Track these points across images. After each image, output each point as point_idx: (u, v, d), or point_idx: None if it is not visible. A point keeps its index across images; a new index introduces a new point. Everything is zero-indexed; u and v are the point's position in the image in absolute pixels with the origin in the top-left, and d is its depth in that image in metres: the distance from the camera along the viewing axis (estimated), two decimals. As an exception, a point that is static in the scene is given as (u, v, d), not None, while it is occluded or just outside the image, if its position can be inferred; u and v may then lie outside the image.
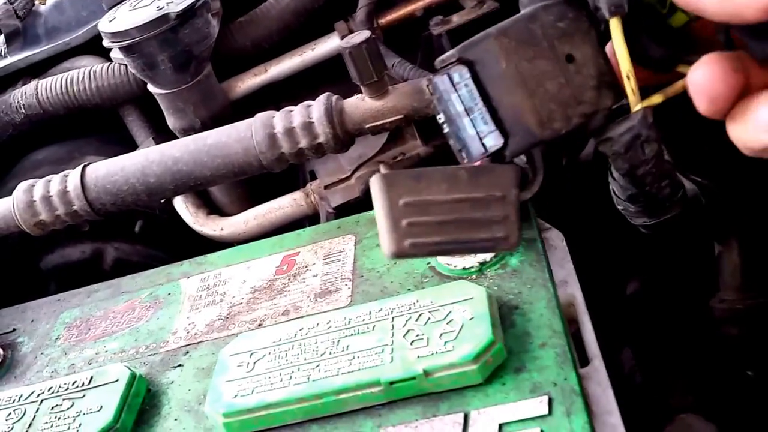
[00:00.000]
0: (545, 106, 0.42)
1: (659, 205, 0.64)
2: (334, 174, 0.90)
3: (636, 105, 0.41)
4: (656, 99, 0.41)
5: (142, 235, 1.04)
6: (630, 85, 0.41)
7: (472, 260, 0.63)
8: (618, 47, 0.40)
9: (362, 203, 0.85)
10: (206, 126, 0.88)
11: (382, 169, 0.42)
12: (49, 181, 0.83)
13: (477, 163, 0.44)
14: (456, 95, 0.43)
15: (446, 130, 0.44)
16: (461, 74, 0.43)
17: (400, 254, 0.43)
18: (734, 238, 0.75)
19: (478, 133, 0.43)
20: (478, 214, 0.43)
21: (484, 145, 0.43)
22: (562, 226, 0.68)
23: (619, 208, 0.67)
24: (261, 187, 0.97)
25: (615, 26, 0.40)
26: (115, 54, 0.92)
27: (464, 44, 0.43)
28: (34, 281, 1.05)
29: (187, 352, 0.68)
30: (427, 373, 0.52)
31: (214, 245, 0.93)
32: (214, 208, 0.99)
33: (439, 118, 0.44)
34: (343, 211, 0.86)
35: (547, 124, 0.42)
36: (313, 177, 0.94)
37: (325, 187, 0.89)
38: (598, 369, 0.53)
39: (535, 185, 0.58)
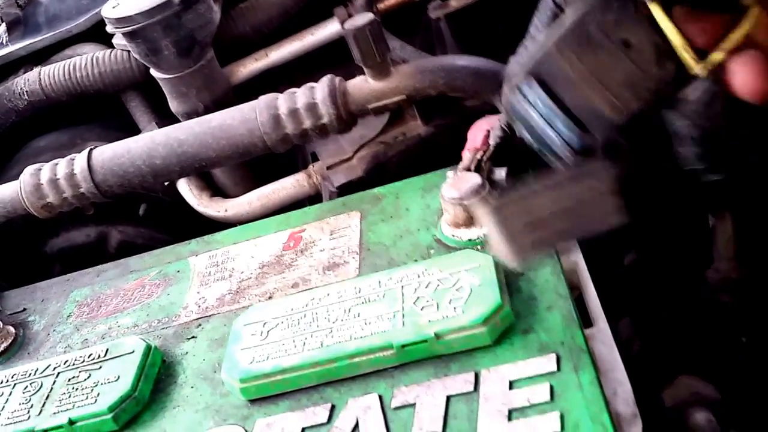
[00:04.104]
0: (617, 92, 0.45)
1: (734, 157, 0.66)
2: (336, 155, 0.92)
3: (698, 67, 0.43)
4: (717, 57, 0.44)
5: (146, 219, 1.06)
6: (687, 54, 0.43)
7: (477, 231, 0.65)
8: (664, 26, 0.43)
9: (364, 182, 0.87)
10: (209, 110, 0.89)
11: (490, 200, 0.47)
12: (56, 164, 0.85)
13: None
14: (534, 110, 0.47)
15: (535, 146, 0.48)
16: (533, 89, 0.46)
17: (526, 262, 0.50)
18: (728, 211, 0.77)
19: (563, 138, 0.46)
20: (588, 212, 0.47)
21: (571, 147, 0.46)
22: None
23: (689, 168, 0.69)
24: (263, 169, 0.98)
25: (655, 9, 0.43)
26: (118, 40, 0.94)
27: (530, 63, 0.46)
28: (39, 265, 1.06)
29: (200, 325, 0.69)
30: (438, 336, 0.54)
31: (217, 228, 0.94)
32: (217, 191, 1.00)
33: (524, 136, 0.47)
34: (346, 190, 0.87)
35: (622, 107, 0.46)
36: (315, 159, 0.96)
37: (328, 168, 0.91)
38: (602, 329, 0.55)
39: (626, 163, 0.61)
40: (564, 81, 0.46)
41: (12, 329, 0.78)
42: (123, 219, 1.04)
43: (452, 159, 0.72)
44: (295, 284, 0.70)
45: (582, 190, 0.46)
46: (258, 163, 0.90)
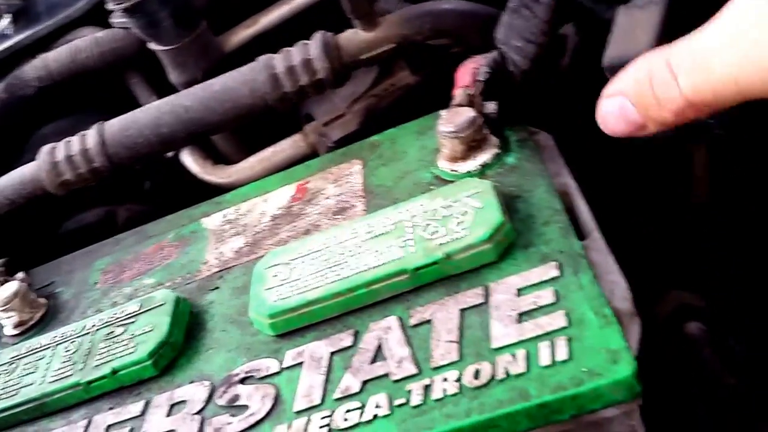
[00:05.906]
0: None
1: None
2: (331, 113, 0.96)
3: None
4: None
5: (151, 195, 1.09)
6: None
7: (473, 164, 0.69)
8: None
9: (360, 135, 0.91)
10: (207, 79, 0.93)
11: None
12: (69, 142, 0.89)
13: None
14: None
15: None
16: None
17: None
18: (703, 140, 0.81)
19: None
20: None
21: None
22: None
23: None
24: (262, 134, 1.02)
25: None
26: (116, 19, 0.97)
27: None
28: (53, 248, 1.10)
29: (221, 276, 0.74)
30: (447, 256, 0.58)
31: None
32: (219, 160, 1.04)
33: None
34: (343, 144, 0.91)
35: None
36: (309, 120, 1.00)
37: (324, 125, 0.95)
38: (597, 239, 0.60)
39: None
40: None
41: (44, 300, 0.82)
42: (129, 197, 1.08)
43: (443, 105, 0.76)
44: (307, 231, 0.74)
45: None
46: (257, 128, 0.94)
